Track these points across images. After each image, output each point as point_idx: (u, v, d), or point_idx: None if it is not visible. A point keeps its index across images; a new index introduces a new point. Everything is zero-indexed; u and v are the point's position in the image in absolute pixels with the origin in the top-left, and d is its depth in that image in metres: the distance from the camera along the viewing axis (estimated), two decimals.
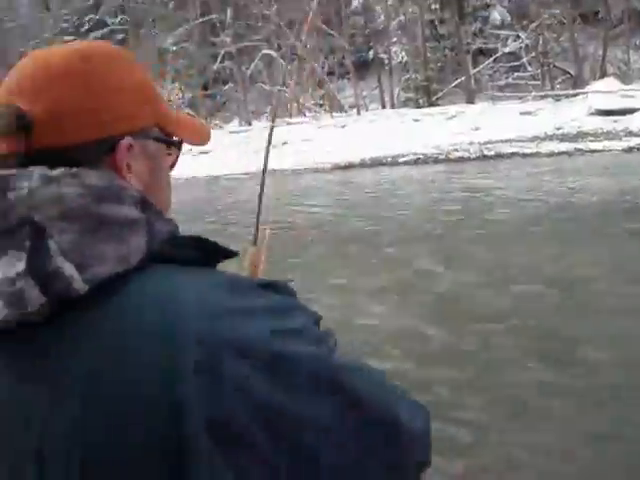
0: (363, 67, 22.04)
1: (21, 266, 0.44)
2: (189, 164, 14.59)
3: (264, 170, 1.02)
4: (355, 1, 22.22)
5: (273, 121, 1.30)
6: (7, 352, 0.48)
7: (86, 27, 25.18)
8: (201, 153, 15.05)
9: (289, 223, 8.08)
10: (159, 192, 0.58)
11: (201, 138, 0.66)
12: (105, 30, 24.89)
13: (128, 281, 0.47)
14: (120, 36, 24.46)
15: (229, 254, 0.54)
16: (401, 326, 4.34)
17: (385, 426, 0.52)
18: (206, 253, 0.52)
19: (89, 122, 0.51)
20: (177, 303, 0.46)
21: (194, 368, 0.43)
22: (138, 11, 24.46)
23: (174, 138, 0.61)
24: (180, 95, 23.24)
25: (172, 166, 0.63)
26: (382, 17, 21.23)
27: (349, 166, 14.10)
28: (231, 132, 18.72)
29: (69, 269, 0.44)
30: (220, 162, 16.08)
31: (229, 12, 22.13)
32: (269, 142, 1.08)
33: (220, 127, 20.14)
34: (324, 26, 20.95)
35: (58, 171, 0.47)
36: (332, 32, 21.24)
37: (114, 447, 0.43)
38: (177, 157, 0.63)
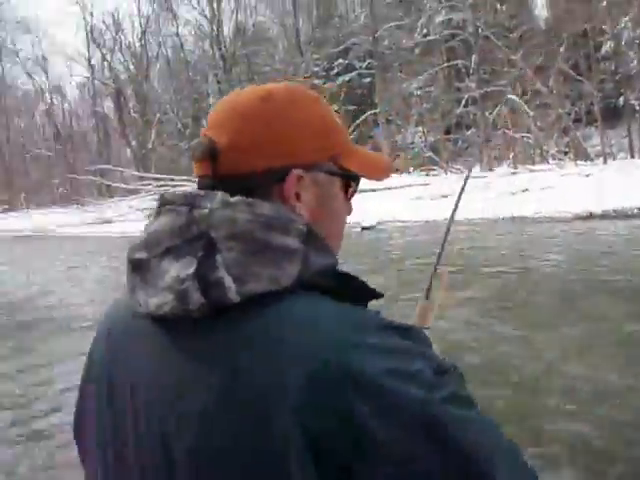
0: (612, 114, 23.48)
1: (191, 270, 0.62)
2: (429, 207, 17.37)
3: (452, 216, 1.25)
4: (605, 45, 23.86)
5: (470, 171, 1.63)
6: (171, 335, 0.66)
7: (335, 71, 30.39)
8: (442, 197, 18.02)
9: (518, 269, 9.08)
10: (328, 221, 0.76)
11: (378, 173, 0.85)
12: (353, 74, 29.78)
13: (278, 300, 0.62)
14: (367, 80, 29.15)
15: (375, 295, 0.71)
16: None
17: None
18: (351, 289, 0.69)
19: (263, 154, 0.70)
20: (314, 332, 0.60)
21: (310, 389, 0.57)
22: (385, 56, 28.97)
23: (351, 172, 0.78)
24: (423, 138, 27.12)
25: (349, 198, 0.81)
26: (635, 62, 22.63)
27: (591, 216, 15.10)
28: (472, 177, 20.59)
29: (228, 281, 0.61)
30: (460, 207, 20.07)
31: (474, 58, 25.40)
32: (462, 189, 1.29)
33: (461, 172, 22.98)
34: (571, 71, 23.31)
35: (236, 198, 0.66)
36: (580, 77, 23.28)
37: (231, 436, 0.59)
38: (354, 190, 0.81)
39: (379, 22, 29.21)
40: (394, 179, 21.72)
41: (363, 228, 16.57)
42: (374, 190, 19.87)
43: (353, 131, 26.99)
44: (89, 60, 46.57)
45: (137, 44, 44.23)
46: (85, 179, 38.82)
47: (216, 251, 0.64)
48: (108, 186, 39.58)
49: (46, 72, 51.41)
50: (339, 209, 0.79)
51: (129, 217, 29.71)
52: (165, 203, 0.69)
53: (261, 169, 0.71)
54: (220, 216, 0.65)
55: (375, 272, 9.43)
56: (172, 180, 30.89)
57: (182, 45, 41.62)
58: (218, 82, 38.21)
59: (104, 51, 45.48)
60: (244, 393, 0.59)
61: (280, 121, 0.72)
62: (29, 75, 52.03)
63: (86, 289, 11.54)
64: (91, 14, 45.64)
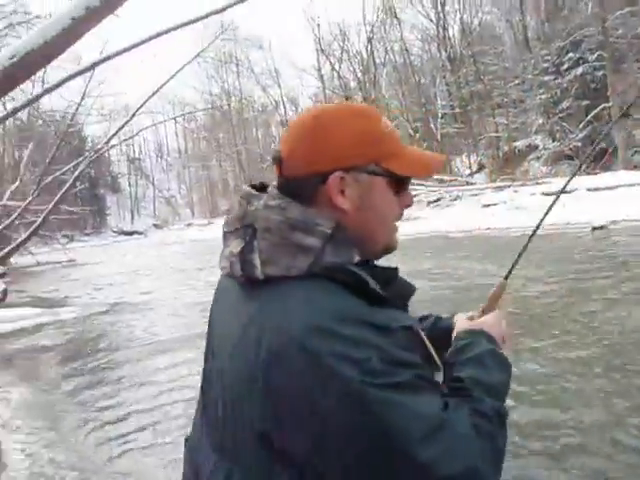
0: None
1: (239, 249, 0.98)
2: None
3: (536, 228, 1.46)
4: None
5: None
6: (233, 291, 1.06)
7: (566, 66, 32.26)
8: None
9: None
10: (372, 214, 1.05)
11: (421, 172, 1.11)
12: (584, 67, 31.67)
13: (287, 283, 0.95)
14: (600, 72, 31.11)
15: (378, 296, 0.97)
16: None
17: (397, 462, 0.86)
18: (358, 284, 0.95)
19: (310, 161, 1.01)
20: (292, 313, 0.91)
21: (278, 352, 0.90)
22: (618, 46, 30.72)
23: (393, 172, 1.05)
24: None
25: (400, 195, 1.09)
26: None
27: None
28: None
29: (257, 262, 0.96)
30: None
31: None
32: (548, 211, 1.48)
33: None
34: None
35: (275, 202, 0.99)
36: None
37: (242, 369, 0.95)
38: (408, 194, 1.11)
39: (609, 10, 30.55)
40: (629, 175, 22.01)
41: (594, 228, 16.34)
42: (610, 188, 20.71)
43: (586, 127, 29.24)
44: (319, 70, 52.00)
45: (364, 52, 48.71)
46: None
47: (256, 239, 0.99)
48: None
49: (279, 85, 58.59)
50: (383, 204, 1.07)
51: None
52: (240, 197, 1.07)
53: (310, 173, 1.03)
54: (261, 214, 1.00)
55: (602, 273, 9.68)
56: None
57: (408, 50, 45.53)
58: (446, 84, 41.91)
59: (332, 61, 50.69)
60: (248, 338, 0.96)
61: (324, 134, 1.03)
62: (264, 89, 60.00)
63: None
64: (318, 25, 50.61)
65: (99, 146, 15.30)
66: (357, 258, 1.01)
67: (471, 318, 1.30)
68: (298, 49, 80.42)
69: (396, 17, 45.24)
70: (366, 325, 0.90)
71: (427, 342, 1.01)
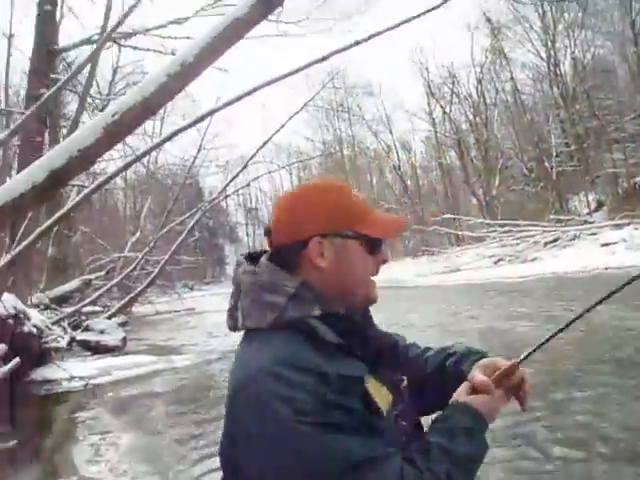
0: None
1: (231, 305, 1.25)
2: None
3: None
4: None
5: None
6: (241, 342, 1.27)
7: None
8: None
9: None
10: (346, 270, 1.27)
11: (388, 234, 1.35)
12: None
13: (258, 334, 1.19)
14: None
15: (329, 343, 1.19)
16: None
17: None
18: (313, 333, 1.18)
19: (290, 231, 1.25)
20: (249, 360, 1.17)
21: (239, 385, 1.15)
22: None
23: (364, 235, 1.28)
24: None
25: (375, 254, 1.32)
26: None
27: None
28: None
29: (239, 317, 1.22)
30: None
31: None
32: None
33: None
34: None
35: (249, 267, 1.24)
36: None
37: (227, 404, 1.18)
38: (381, 252, 1.32)
39: None
40: None
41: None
42: None
43: None
44: (430, 114, 52.41)
45: (474, 93, 48.78)
46: (433, 229, 43.04)
47: (241, 297, 1.24)
48: (455, 235, 44.50)
49: (391, 130, 59.14)
50: (358, 262, 1.29)
51: (476, 265, 32.51)
52: (235, 263, 1.32)
53: (291, 241, 1.27)
54: (242, 278, 1.26)
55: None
56: (517, 225, 33.90)
57: (519, 89, 45.28)
58: (560, 122, 41.27)
59: (443, 104, 50.92)
60: (231, 373, 1.21)
61: (303, 208, 1.28)
62: (375, 135, 60.59)
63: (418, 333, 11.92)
64: (427, 69, 50.96)
65: (214, 196, 15.85)
66: (318, 312, 1.21)
67: (473, 388, 1.29)
68: (408, 93, 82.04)
69: (505, 57, 44.97)
70: (309, 371, 1.10)
71: (371, 392, 1.18)
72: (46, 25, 11.61)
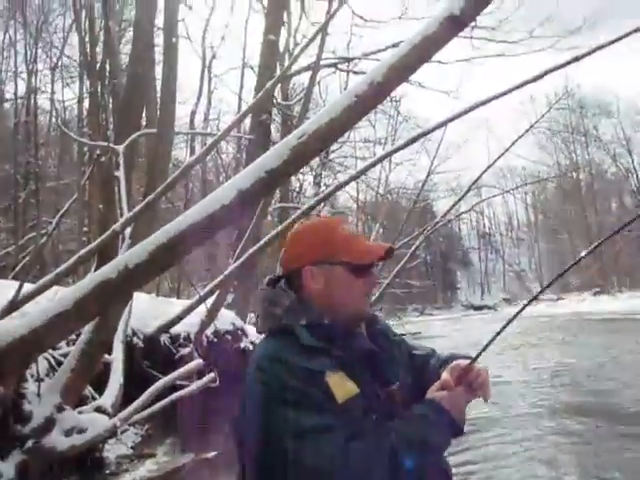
0: None
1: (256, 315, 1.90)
2: None
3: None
4: None
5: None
6: None
7: None
8: None
9: None
10: (336, 293, 1.61)
11: (365, 260, 1.64)
12: None
13: (266, 335, 1.62)
14: None
15: (303, 342, 1.52)
16: None
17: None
18: (296, 337, 1.53)
19: (290, 261, 1.67)
20: (255, 354, 1.58)
21: (248, 370, 1.56)
22: None
23: (346, 262, 1.62)
24: None
25: (363, 277, 1.64)
26: None
27: None
28: None
29: (258, 322, 1.67)
30: None
31: None
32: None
33: None
34: None
35: (264, 287, 1.68)
36: None
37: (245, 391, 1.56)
38: (371, 274, 1.67)
39: None
40: None
41: None
42: None
43: None
44: None
45: None
46: None
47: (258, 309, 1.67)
48: None
49: (630, 152, 55.54)
50: (344, 284, 1.63)
51: None
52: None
53: (293, 269, 1.65)
54: (258, 295, 1.70)
55: None
56: None
57: None
58: None
59: None
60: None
61: (298, 242, 1.68)
62: (613, 157, 56.71)
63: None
64: None
65: (437, 219, 15.72)
66: (304, 321, 1.56)
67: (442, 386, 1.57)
68: None
69: None
70: (280, 363, 1.47)
71: (330, 383, 1.46)
72: (270, 54, 12.36)
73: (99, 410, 5.59)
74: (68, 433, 4.96)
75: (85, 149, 19.12)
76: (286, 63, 14.40)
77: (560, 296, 58.18)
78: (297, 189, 21.95)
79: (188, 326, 8.60)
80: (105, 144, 9.37)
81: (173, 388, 6.80)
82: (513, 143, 12.23)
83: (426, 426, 1.47)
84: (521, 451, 6.39)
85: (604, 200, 61.49)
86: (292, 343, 1.52)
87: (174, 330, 8.49)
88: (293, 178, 19.35)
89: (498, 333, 1.54)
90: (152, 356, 8.03)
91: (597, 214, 59.86)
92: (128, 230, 5.77)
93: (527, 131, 12.87)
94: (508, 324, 1.54)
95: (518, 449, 6.47)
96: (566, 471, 5.61)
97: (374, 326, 1.76)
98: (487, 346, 1.55)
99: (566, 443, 6.67)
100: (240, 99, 23.97)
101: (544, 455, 6.16)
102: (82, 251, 4.85)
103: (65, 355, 5.53)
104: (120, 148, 7.13)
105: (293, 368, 1.46)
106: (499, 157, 12.43)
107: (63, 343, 5.92)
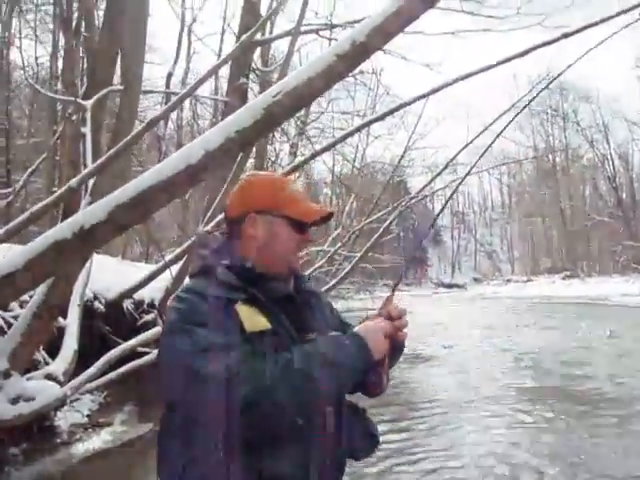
0: None
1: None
2: None
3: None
4: None
5: None
6: None
7: None
8: None
9: None
10: (273, 244, 1.69)
11: (307, 217, 1.72)
12: None
13: (188, 277, 1.75)
14: None
15: (222, 280, 1.61)
16: None
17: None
18: (216, 277, 1.61)
19: (237, 206, 1.73)
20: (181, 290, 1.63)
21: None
22: None
23: (288, 216, 1.70)
24: None
25: (301, 233, 1.73)
26: None
27: None
28: None
29: (195, 261, 1.75)
30: None
31: None
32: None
33: None
34: None
35: (198, 233, 1.94)
36: None
37: None
38: (306, 233, 1.75)
39: None
40: None
41: None
42: None
43: None
44: None
45: None
46: None
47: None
48: None
49: (608, 139, 55.75)
50: (282, 237, 1.71)
51: None
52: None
53: (236, 215, 1.73)
54: (194, 240, 2.08)
55: None
56: None
57: None
58: None
59: None
60: None
61: (246, 192, 1.75)
62: (591, 143, 57.01)
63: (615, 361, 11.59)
64: None
65: (412, 195, 15.55)
66: (226, 262, 1.66)
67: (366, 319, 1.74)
68: (628, 101, 77.02)
69: None
70: (194, 293, 1.59)
71: (239, 313, 1.56)
72: (250, 18, 11.98)
73: (50, 377, 5.34)
74: (14, 401, 4.71)
75: (58, 108, 18.56)
76: (268, 26, 13.95)
77: (530, 277, 58.74)
78: (273, 158, 21.61)
79: (154, 292, 8.37)
80: (72, 99, 8.98)
81: (136, 355, 6.59)
82: (493, 122, 12.06)
83: (334, 346, 1.55)
84: (490, 434, 6.31)
85: (579, 185, 61.69)
86: (211, 281, 1.60)
87: (138, 296, 8.26)
88: (269, 147, 18.97)
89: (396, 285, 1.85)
90: (114, 322, 7.80)
91: (571, 199, 60.27)
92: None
93: (507, 110, 12.71)
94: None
95: (487, 432, 6.39)
96: (535, 453, 5.56)
97: (304, 284, 1.81)
98: (397, 285, 1.85)
99: (534, 426, 6.63)
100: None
101: (513, 438, 6.11)
102: (34, 208, 4.56)
103: (16, 317, 5.25)
104: (88, 104, 6.80)
105: (206, 296, 1.55)
106: (478, 135, 12.27)
107: (15, 304, 5.64)
